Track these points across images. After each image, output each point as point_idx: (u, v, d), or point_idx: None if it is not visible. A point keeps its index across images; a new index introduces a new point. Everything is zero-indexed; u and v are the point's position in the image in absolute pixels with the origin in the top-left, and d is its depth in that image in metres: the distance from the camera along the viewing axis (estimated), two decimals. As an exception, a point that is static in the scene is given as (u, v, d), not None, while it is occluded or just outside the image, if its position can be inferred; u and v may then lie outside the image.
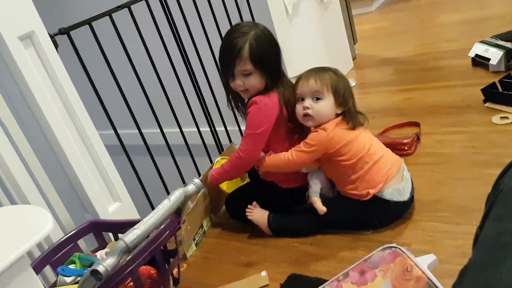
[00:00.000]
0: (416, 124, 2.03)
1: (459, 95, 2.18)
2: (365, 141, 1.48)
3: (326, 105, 1.48)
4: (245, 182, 1.88)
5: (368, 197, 1.44)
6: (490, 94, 2.00)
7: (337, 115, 1.50)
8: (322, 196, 1.56)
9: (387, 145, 1.59)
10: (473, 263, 0.52)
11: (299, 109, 1.53)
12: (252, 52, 1.51)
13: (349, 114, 1.49)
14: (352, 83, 2.74)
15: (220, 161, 1.83)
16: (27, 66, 1.39)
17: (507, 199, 0.56)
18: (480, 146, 1.74)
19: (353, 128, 1.48)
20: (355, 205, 1.47)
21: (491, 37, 2.40)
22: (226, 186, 1.81)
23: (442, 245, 1.33)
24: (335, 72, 1.53)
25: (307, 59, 2.51)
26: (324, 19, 2.76)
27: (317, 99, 1.49)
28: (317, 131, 1.49)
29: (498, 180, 0.62)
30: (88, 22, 1.58)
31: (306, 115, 1.51)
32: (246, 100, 1.64)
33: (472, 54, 2.40)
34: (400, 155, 1.60)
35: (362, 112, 1.54)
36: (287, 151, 1.56)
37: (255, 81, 1.55)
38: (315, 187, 1.56)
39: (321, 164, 1.56)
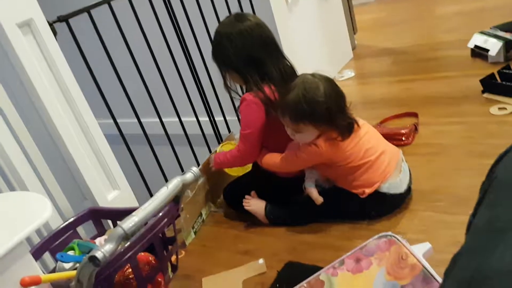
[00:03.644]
0: (414, 115, 2.04)
1: (458, 86, 2.18)
2: (360, 145, 1.44)
3: (306, 135, 1.43)
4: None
5: (364, 195, 1.44)
6: (489, 84, 2.00)
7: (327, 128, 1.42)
8: (318, 186, 1.55)
9: (385, 135, 1.59)
10: (465, 249, 0.53)
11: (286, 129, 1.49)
12: (212, 50, 1.60)
13: (339, 128, 1.41)
14: (351, 74, 2.74)
15: (224, 146, 1.84)
16: (25, 53, 1.39)
17: (500, 186, 0.56)
18: (478, 136, 1.75)
19: (345, 139, 1.42)
20: (351, 197, 1.47)
21: (491, 28, 2.39)
22: (232, 170, 1.81)
23: (437, 234, 1.34)
24: (315, 89, 1.38)
25: (307, 49, 2.51)
26: (324, 9, 2.75)
27: (296, 131, 1.45)
28: (309, 145, 1.45)
29: (492, 168, 0.62)
30: (87, 9, 1.58)
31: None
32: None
33: (471, 45, 2.39)
34: (398, 145, 1.60)
35: (353, 119, 1.44)
36: (283, 144, 1.56)
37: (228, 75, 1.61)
38: (311, 178, 1.55)
39: (316, 166, 1.54)
